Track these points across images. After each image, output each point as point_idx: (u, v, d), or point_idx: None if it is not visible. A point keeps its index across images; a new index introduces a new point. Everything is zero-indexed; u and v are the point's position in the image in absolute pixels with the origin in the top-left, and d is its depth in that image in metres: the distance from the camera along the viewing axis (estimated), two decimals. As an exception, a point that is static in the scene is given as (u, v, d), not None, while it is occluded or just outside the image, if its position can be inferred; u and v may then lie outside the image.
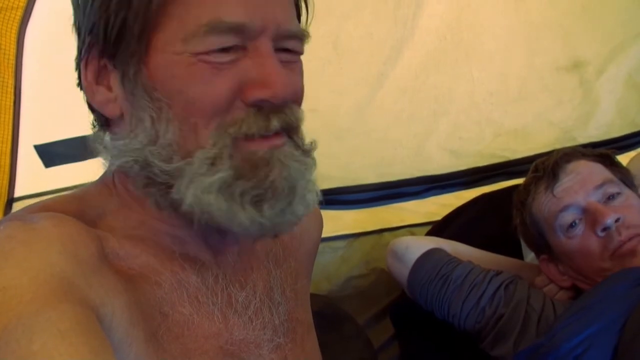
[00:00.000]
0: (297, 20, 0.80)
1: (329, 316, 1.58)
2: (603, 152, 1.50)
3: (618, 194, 1.37)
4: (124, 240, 0.76)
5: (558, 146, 1.92)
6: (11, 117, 1.44)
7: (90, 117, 0.84)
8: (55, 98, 1.48)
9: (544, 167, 1.46)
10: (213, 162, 0.72)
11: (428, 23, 1.79)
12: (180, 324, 0.76)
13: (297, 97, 0.79)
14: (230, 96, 0.72)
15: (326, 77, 1.71)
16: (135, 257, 0.76)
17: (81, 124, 1.48)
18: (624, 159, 1.71)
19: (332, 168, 1.86)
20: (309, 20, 0.86)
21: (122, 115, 0.77)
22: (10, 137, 1.46)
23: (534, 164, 1.52)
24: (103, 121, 0.82)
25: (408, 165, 1.96)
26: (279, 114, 0.74)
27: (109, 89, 0.77)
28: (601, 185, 1.37)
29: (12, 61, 1.37)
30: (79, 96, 1.40)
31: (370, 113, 1.85)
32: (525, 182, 1.53)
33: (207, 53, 0.70)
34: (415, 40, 1.79)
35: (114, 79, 0.76)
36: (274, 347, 0.85)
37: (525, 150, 2.02)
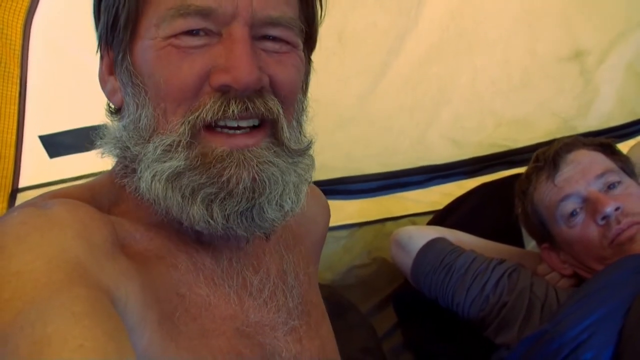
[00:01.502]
0: (287, 8, 0.77)
1: (332, 305, 1.58)
2: (604, 141, 1.51)
3: (618, 182, 1.39)
4: (138, 225, 0.77)
5: (559, 135, 1.93)
6: (16, 107, 1.43)
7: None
8: (61, 89, 1.48)
9: (545, 157, 1.47)
10: (168, 149, 0.72)
11: (431, 13, 1.79)
12: (197, 304, 0.76)
13: (279, 89, 0.76)
14: (196, 81, 0.72)
15: (330, 66, 1.71)
16: (150, 240, 0.77)
17: (86, 114, 1.50)
18: (623, 147, 1.72)
19: (335, 158, 1.86)
20: (322, 14, 0.86)
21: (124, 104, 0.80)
22: (15, 128, 1.46)
23: (535, 153, 1.53)
24: (114, 111, 0.84)
25: (410, 154, 1.97)
26: (243, 100, 0.72)
27: (117, 79, 0.80)
28: (602, 175, 1.39)
29: (18, 52, 1.36)
30: (84, 87, 1.41)
31: (373, 103, 1.85)
32: (526, 171, 1.54)
33: (175, 37, 0.71)
34: (419, 30, 1.79)
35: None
36: (289, 329, 0.86)
37: (526, 139, 2.03)
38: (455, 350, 1.63)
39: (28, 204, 0.73)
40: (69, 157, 1.56)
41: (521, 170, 1.62)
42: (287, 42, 0.78)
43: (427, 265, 1.51)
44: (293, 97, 0.80)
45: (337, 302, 1.66)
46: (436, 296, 1.52)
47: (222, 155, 0.72)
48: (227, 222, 0.73)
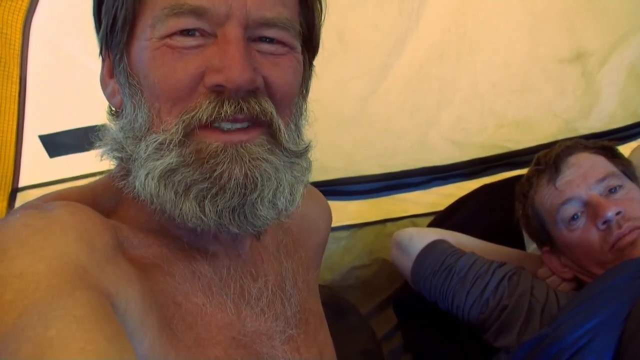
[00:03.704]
0: (283, 9, 0.76)
1: (332, 306, 1.59)
2: (605, 144, 1.50)
3: (620, 186, 1.38)
4: (137, 231, 0.77)
5: (560, 137, 1.93)
6: (16, 107, 1.43)
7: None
8: (60, 88, 1.48)
9: (546, 160, 1.46)
10: (160, 148, 0.72)
11: (432, 15, 1.78)
12: (193, 313, 0.76)
13: (275, 92, 0.76)
14: (191, 81, 0.72)
15: (330, 67, 1.71)
16: (148, 247, 0.77)
17: (86, 114, 1.50)
18: (625, 149, 1.72)
19: (335, 159, 1.86)
20: (322, 16, 0.85)
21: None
22: (15, 127, 1.46)
23: (536, 156, 1.52)
24: (114, 113, 0.84)
25: (411, 156, 1.97)
26: (237, 101, 0.72)
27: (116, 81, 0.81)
28: (603, 179, 1.38)
29: (18, 51, 1.36)
30: (84, 87, 1.41)
31: (373, 104, 1.85)
32: (527, 174, 1.53)
33: (170, 37, 0.71)
34: (420, 31, 1.79)
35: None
36: (286, 338, 0.86)
37: (527, 141, 2.03)
38: (455, 353, 1.62)
39: (30, 206, 0.73)
40: (69, 156, 1.56)
41: (522, 172, 1.61)
42: (284, 44, 0.77)
43: (427, 268, 1.51)
44: (289, 99, 0.79)
45: (337, 303, 1.66)
46: (436, 299, 1.51)
47: (216, 151, 0.72)
48: (219, 218, 0.73)
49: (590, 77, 2.02)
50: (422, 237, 1.58)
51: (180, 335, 0.73)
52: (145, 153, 0.73)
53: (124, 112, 0.78)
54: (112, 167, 0.87)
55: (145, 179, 0.73)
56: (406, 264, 1.57)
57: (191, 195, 0.72)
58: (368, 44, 1.78)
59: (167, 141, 0.72)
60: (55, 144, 1.54)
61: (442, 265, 1.49)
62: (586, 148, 1.47)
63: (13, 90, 1.41)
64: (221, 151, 0.72)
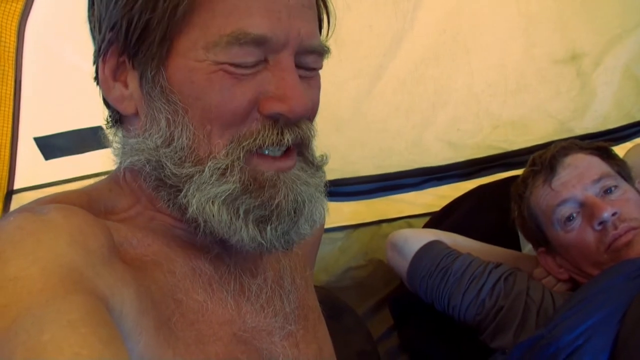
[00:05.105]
0: (319, 35, 0.81)
1: (328, 308, 1.58)
2: (600, 145, 1.50)
3: (615, 187, 1.38)
4: (136, 230, 0.77)
5: (555, 137, 1.93)
6: (11, 109, 1.43)
7: (104, 112, 0.85)
8: (55, 90, 1.48)
9: (542, 161, 1.46)
10: (223, 173, 0.73)
11: (427, 16, 1.79)
12: (194, 310, 0.76)
13: (312, 113, 0.80)
14: (248, 107, 0.73)
15: (325, 69, 1.71)
16: (148, 245, 0.77)
17: (81, 116, 1.50)
18: (620, 150, 1.72)
19: (331, 160, 1.85)
20: (329, 34, 0.87)
21: (136, 113, 0.78)
22: (10, 129, 1.46)
23: (531, 157, 1.52)
24: (117, 117, 0.83)
25: (406, 156, 1.97)
26: (293, 128, 0.75)
27: (126, 85, 0.78)
28: (599, 180, 1.38)
29: (13, 53, 1.36)
30: (79, 89, 1.40)
31: (369, 105, 1.85)
32: (523, 175, 1.53)
33: (229, 64, 0.71)
34: (415, 32, 1.79)
35: (132, 78, 0.77)
36: (285, 334, 0.86)
37: (522, 141, 2.03)
38: (452, 353, 1.62)
39: (24, 209, 0.72)
40: (64, 159, 1.56)
41: (518, 172, 1.61)
42: (315, 68, 0.80)
43: (423, 269, 1.51)
44: (315, 116, 0.83)
45: (333, 304, 1.66)
46: (432, 300, 1.51)
47: (272, 179, 0.75)
48: (272, 241, 0.76)
49: (585, 77, 2.02)
50: (418, 238, 1.58)
51: (179, 333, 0.73)
52: (209, 179, 0.73)
53: (148, 125, 0.76)
54: (106, 170, 0.87)
55: (206, 203, 0.73)
56: (402, 265, 1.57)
57: (250, 221, 0.74)
58: (363, 45, 1.78)
59: (229, 166, 0.73)
60: (51, 146, 1.54)
61: (438, 266, 1.49)
62: (581, 149, 1.47)
63: (8, 92, 1.41)
64: (276, 179, 0.75)
